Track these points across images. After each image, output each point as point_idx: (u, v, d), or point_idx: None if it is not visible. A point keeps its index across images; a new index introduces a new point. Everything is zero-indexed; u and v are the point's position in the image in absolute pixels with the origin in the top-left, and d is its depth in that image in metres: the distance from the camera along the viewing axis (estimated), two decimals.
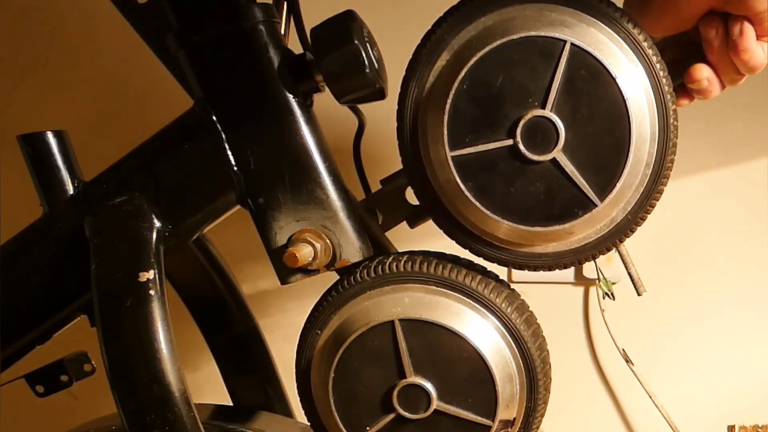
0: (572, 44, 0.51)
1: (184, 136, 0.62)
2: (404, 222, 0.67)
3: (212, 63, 0.60)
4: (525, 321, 0.59)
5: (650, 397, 1.07)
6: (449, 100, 0.53)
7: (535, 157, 0.53)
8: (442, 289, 0.58)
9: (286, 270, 0.60)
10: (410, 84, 0.57)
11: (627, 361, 1.07)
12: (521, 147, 0.53)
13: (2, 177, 1.09)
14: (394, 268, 0.59)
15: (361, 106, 0.68)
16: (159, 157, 0.63)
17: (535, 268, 0.58)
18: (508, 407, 0.57)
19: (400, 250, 0.64)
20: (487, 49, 0.52)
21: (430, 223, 0.62)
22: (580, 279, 1.09)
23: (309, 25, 0.61)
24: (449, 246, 0.60)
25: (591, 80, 0.52)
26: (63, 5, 1.12)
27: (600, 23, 0.53)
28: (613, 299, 1.05)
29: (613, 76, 0.51)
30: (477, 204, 0.55)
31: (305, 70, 0.60)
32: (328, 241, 0.60)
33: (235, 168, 0.61)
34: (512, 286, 0.62)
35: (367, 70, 0.58)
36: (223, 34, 0.60)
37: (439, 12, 0.56)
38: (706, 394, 1.11)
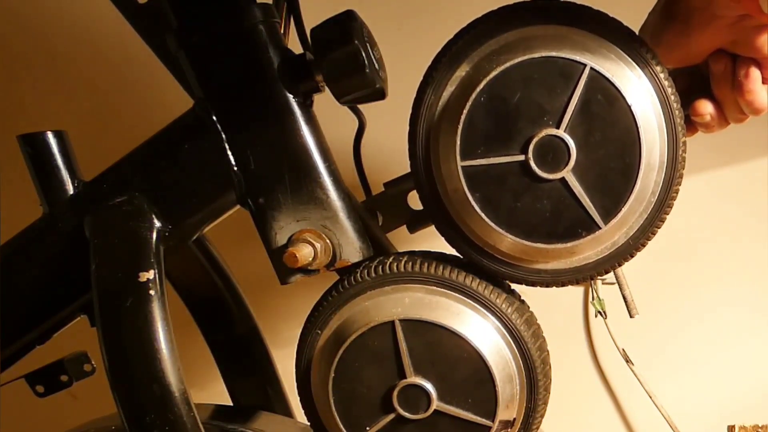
0: (592, 68, 0.52)
1: (184, 136, 0.62)
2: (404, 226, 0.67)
3: (212, 63, 0.60)
4: (525, 321, 0.59)
5: (650, 397, 1.07)
6: (465, 111, 0.54)
7: (545, 175, 0.53)
8: (443, 290, 0.58)
9: (286, 270, 0.60)
10: (427, 91, 0.57)
11: (627, 361, 1.07)
12: (532, 164, 0.53)
13: (2, 177, 1.09)
14: (395, 268, 0.59)
15: (361, 106, 0.68)
16: (159, 157, 0.63)
17: (533, 284, 0.59)
18: (508, 407, 0.57)
19: (400, 251, 0.64)
20: (508, 64, 0.53)
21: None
22: None
23: (309, 25, 0.61)
24: (449, 247, 0.60)
25: (607, 105, 0.53)
26: (63, 5, 1.12)
27: (620, 51, 0.54)
28: (606, 318, 1.06)
29: (629, 103, 0.52)
30: (482, 215, 0.55)
31: (305, 70, 0.60)
32: (328, 241, 0.60)
33: (235, 168, 0.61)
34: (512, 286, 0.62)
35: (367, 70, 0.58)
36: (223, 34, 0.60)
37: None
38: (706, 394, 1.11)
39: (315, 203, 0.60)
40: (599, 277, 0.58)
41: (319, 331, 0.60)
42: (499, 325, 0.58)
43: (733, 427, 1.09)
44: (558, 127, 0.53)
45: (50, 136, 0.64)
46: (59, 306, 0.67)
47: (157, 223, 0.61)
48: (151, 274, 0.58)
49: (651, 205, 0.55)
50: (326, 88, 0.60)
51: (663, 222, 0.56)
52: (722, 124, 0.60)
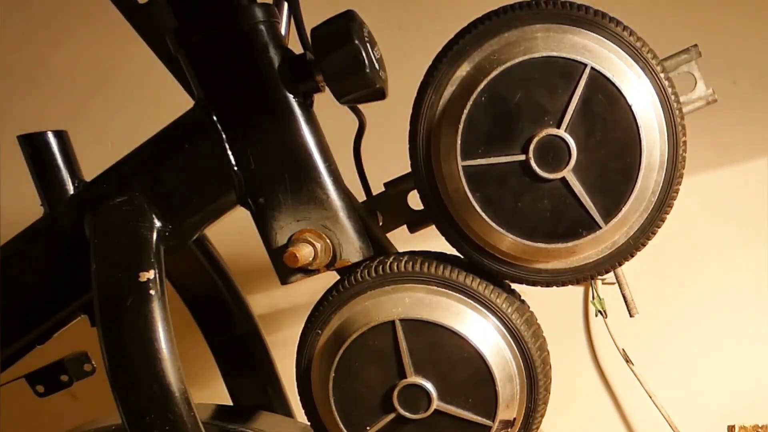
0: (592, 68, 0.52)
1: (184, 136, 0.62)
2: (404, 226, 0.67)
3: (212, 63, 0.60)
4: (525, 321, 0.59)
5: (650, 397, 1.07)
6: (466, 111, 0.54)
7: (546, 175, 0.54)
8: (443, 290, 0.58)
9: (287, 270, 0.60)
10: (427, 90, 0.57)
11: (627, 361, 1.07)
12: (533, 163, 0.54)
13: (2, 177, 1.09)
14: (395, 268, 0.59)
15: (361, 106, 0.67)
16: (159, 157, 0.63)
17: (534, 284, 0.59)
18: (508, 407, 0.57)
19: (400, 251, 0.64)
20: (508, 64, 0.53)
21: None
22: None
23: (309, 25, 0.61)
24: (450, 247, 0.60)
25: (607, 105, 0.53)
26: (64, 6, 1.12)
27: (621, 51, 0.54)
28: (606, 317, 1.06)
29: (629, 103, 0.52)
30: (483, 215, 0.55)
31: (305, 70, 0.60)
32: (328, 240, 0.60)
33: (235, 168, 0.61)
34: (512, 286, 0.62)
35: (367, 70, 0.58)
36: (223, 34, 0.60)
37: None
38: (706, 394, 1.11)
39: (315, 203, 0.60)
40: (599, 277, 0.58)
41: (320, 331, 0.60)
42: (500, 325, 0.58)
43: (733, 427, 1.09)
44: (558, 127, 0.53)
45: (50, 136, 0.64)
46: (59, 306, 0.67)
47: (158, 223, 0.61)
48: (151, 274, 0.58)
49: (651, 205, 0.55)
50: (326, 88, 0.60)
51: (663, 222, 0.56)
52: None
